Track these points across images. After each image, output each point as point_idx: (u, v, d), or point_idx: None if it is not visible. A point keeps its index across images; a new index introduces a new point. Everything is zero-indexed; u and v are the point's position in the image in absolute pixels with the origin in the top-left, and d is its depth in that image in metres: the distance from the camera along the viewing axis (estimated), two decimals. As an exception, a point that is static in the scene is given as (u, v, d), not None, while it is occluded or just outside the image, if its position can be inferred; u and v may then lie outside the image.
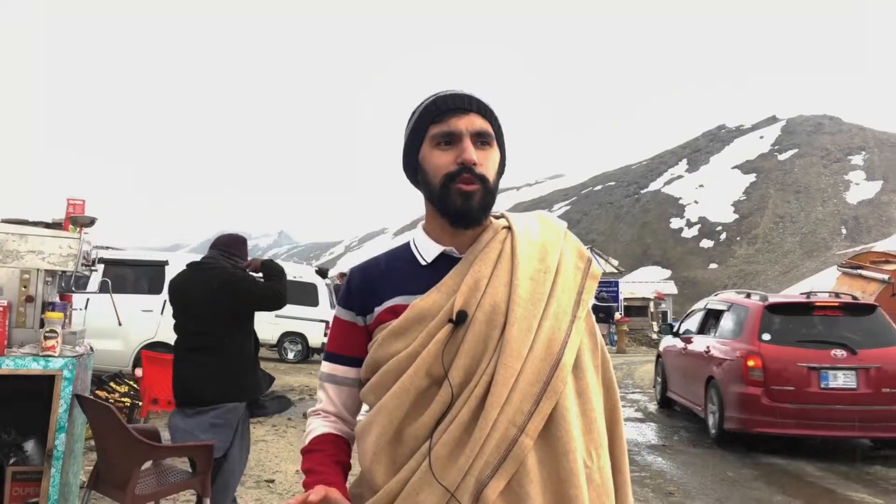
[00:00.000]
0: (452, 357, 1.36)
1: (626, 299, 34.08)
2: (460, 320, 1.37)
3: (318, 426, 1.51)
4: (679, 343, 10.37)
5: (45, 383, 3.75)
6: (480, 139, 1.44)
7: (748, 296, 9.30)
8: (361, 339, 1.50)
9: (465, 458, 1.30)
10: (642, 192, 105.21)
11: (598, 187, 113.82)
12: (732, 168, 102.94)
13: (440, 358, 1.36)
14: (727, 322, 9.02)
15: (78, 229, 4.08)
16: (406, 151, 1.52)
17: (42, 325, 3.79)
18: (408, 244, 1.55)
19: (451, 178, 1.42)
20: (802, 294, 9.49)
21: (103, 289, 4.82)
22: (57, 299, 4.13)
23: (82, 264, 4.01)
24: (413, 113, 1.50)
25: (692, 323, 10.48)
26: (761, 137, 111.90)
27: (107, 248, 9.93)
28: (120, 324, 4.84)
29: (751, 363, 7.81)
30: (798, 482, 6.51)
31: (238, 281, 4.08)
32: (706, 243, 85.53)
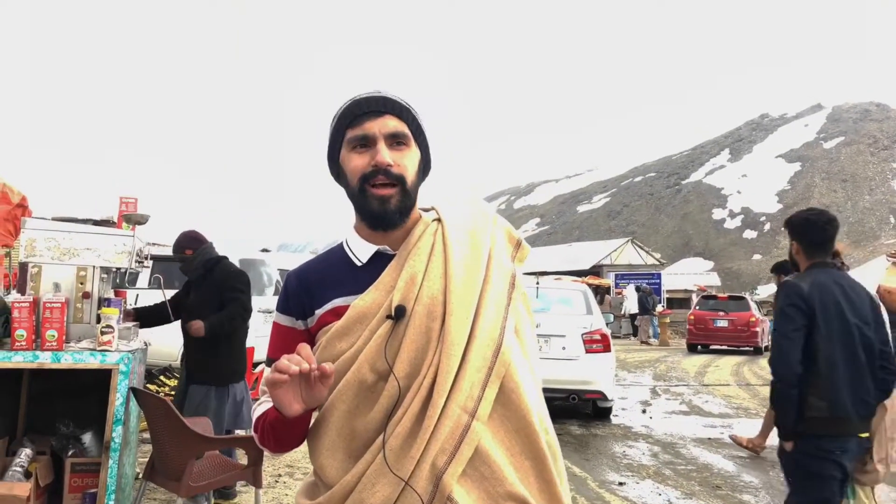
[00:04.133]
0: (396, 351, 1.39)
1: (668, 291, 33.71)
2: (399, 315, 1.40)
3: (262, 408, 1.51)
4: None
5: (102, 377, 3.85)
6: (395, 140, 1.46)
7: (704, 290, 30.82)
8: (301, 343, 1.50)
9: (417, 447, 1.34)
10: (683, 182, 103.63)
11: (638, 178, 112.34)
12: (776, 157, 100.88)
13: (383, 353, 1.39)
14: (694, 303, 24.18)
15: (131, 226, 4.17)
16: (328, 154, 1.55)
17: (98, 320, 3.88)
18: (341, 245, 1.58)
19: (366, 179, 1.44)
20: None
21: (155, 284, 4.92)
22: (112, 295, 4.23)
23: (136, 261, 4.10)
24: (334, 117, 1.52)
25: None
26: (806, 125, 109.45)
27: (154, 244, 10.09)
28: (172, 319, 4.93)
29: (691, 317, 21.77)
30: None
31: None
32: (749, 234, 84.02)
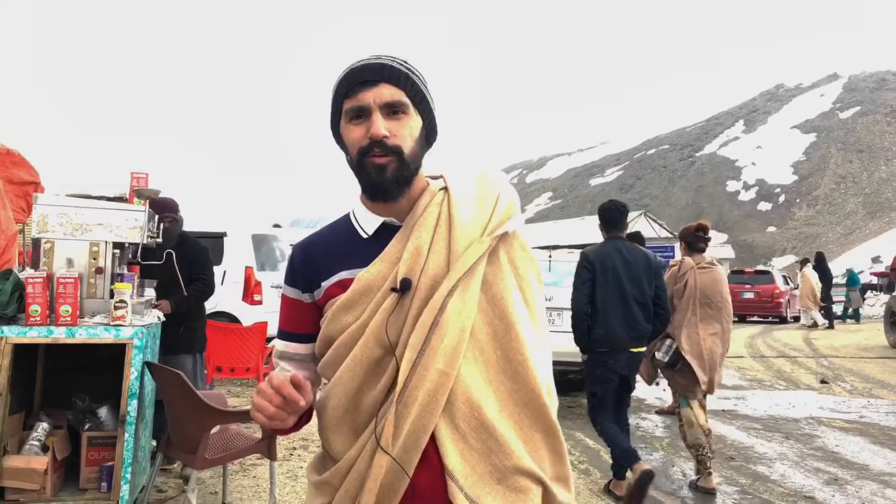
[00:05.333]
0: (401, 325, 1.37)
1: (681, 264, 33.50)
2: (404, 288, 1.37)
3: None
4: None
5: (117, 352, 3.88)
6: (391, 109, 1.41)
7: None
8: (309, 315, 1.52)
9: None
10: (697, 154, 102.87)
11: (651, 151, 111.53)
12: (791, 128, 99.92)
13: (385, 326, 1.37)
14: None
15: (143, 202, 4.18)
16: (331, 125, 1.52)
17: (112, 295, 3.90)
18: (347, 217, 1.55)
19: (363, 152, 1.41)
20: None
21: (168, 260, 4.94)
22: (125, 270, 4.25)
23: (148, 236, 4.11)
24: (333, 87, 1.49)
25: None
26: (822, 95, 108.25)
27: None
28: (185, 293, 4.95)
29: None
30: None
31: None
32: (764, 206, 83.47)
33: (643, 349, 4.95)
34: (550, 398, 1.44)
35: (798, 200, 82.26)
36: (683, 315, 5.24)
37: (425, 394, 1.33)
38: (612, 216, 5.09)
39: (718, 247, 52.90)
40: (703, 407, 5.34)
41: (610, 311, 4.76)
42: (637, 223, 39.90)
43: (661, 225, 41.77)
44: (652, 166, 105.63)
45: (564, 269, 9.62)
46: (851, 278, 24.16)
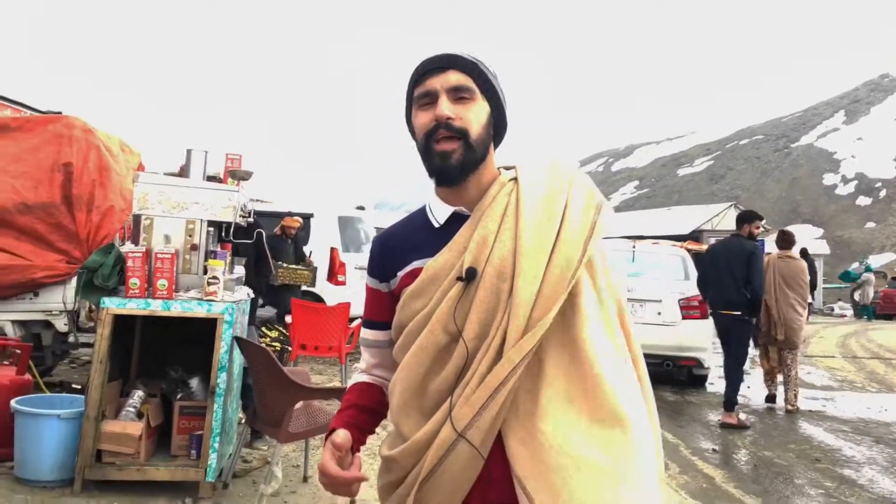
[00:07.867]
0: (466, 313, 1.39)
1: (772, 259, 32.43)
2: (470, 277, 1.39)
3: (354, 378, 1.66)
4: None
5: (209, 326, 4.04)
6: (458, 94, 1.45)
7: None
8: (388, 304, 1.57)
9: (479, 406, 1.35)
10: (793, 146, 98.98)
11: (744, 141, 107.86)
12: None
13: (453, 315, 1.40)
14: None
15: (236, 182, 4.32)
16: (405, 117, 1.56)
17: (205, 271, 4.06)
18: (423, 208, 1.59)
19: (429, 135, 1.44)
20: None
21: (258, 239, 5.09)
22: (218, 248, 4.41)
23: (240, 215, 4.25)
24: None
25: None
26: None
27: (258, 200, 10.42)
28: (273, 272, 5.10)
29: (882, 293, 27.13)
30: None
31: None
32: (863, 201, 79.81)
33: (736, 312, 6.97)
34: (613, 386, 1.37)
35: (866, 200, 78.25)
36: (769, 289, 7.70)
37: (502, 383, 1.34)
38: (737, 219, 7.53)
39: (812, 241, 50.90)
40: (778, 355, 8.05)
41: (710, 287, 7.28)
42: (726, 215, 38.86)
43: (751, 217, 40.37)
44: (744, 157, 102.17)
45: (649, 261, 9.48)
46: (844, 275, 27.41)
